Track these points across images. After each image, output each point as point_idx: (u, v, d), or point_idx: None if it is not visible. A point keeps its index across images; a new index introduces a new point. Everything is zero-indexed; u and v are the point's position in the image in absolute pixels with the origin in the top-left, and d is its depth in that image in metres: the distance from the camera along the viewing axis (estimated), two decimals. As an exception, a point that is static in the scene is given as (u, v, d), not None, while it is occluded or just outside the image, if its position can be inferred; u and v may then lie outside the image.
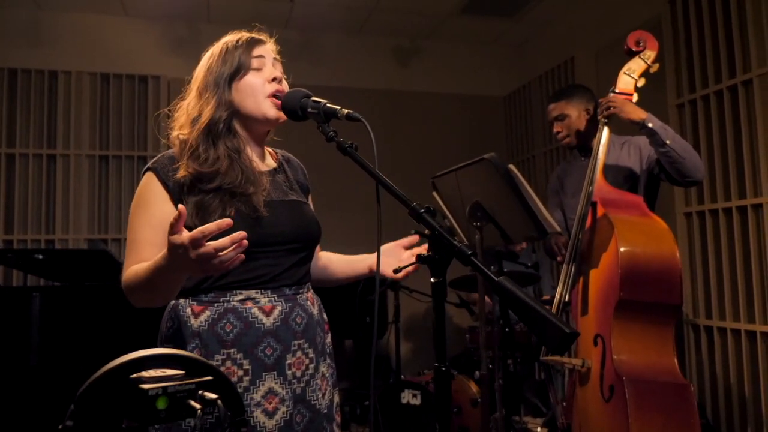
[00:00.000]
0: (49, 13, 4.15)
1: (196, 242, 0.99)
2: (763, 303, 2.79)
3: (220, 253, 1.00)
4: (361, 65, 4.64)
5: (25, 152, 4.06)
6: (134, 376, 0.59)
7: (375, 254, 1.43)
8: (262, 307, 1.23)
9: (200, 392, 0.59)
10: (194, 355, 0.66)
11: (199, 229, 0.99)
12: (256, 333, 1.22)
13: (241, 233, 1.01)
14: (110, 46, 4.22)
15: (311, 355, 1.29)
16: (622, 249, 1.78)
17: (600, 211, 1.94)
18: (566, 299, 2.01)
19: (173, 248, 1.01)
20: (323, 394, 1.31)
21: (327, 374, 1.34)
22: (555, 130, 2.45)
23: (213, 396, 0.59)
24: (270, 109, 1.27)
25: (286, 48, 1.39)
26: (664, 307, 1.81)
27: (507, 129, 5.03)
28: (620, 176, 2.25)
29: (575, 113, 2.38)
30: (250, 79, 1.27)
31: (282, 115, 1.28)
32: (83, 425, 0.55)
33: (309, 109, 1.20)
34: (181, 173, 1.22)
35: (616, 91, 2.11)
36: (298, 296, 1.29)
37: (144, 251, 1.20)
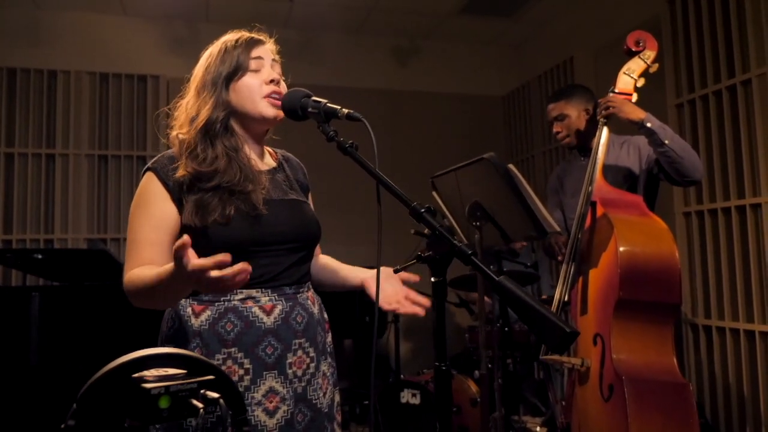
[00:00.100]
0: (48, 12, 4.14)
1: (198, 275, 0.97)
2: (762, 302, 2.80)
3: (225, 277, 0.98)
4: (361, 65, 4.64)
5: (24, 152, 4.06)
6: (136, 375, 0.59)
7: (368, 270, 1.44)
8: (263, 306, 1.23)
9: (202, 391, 0.59)
10: (196, 354, 0.66)
11: (198, 266, 0.96)
12: (257, 332, 1.22)
13: (247, 268, 0.98)
14: (109, 46, 4.22)
15: (312, 354, 1.29)
16: (621, 249, 1.78)
17: (599, 210, 1.94)
18: (566, 299, 2.01)
19: (179, 272, 0.99)
20: (324, 393, 1.31)
21: (328, 373, 1.34)
22: (555, 130, 2.45)
23: (215, 395, 0.59)
24: (267, 109, 1.27)
25: (285, 47, 1.39)
26: (664, 306, 1.81)
27: (506, 129, 5.03)
28: (620, 176, 2.26)
29: (575, 113, 2.39)
30: (248, 80, 1.27)
31: (280, 114, 1.28)
32: (85, 424, 0.56)
33: (309, 109, 1.21)
34: (180, 173, 1.22)
35: (616, 91, 2.11)
36: (298, 295, 1.29)
37: (145, 251, 1.20)
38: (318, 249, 1.46)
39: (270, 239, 1.24)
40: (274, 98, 1.28)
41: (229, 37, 1.32)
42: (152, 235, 1.22)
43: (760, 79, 2.81)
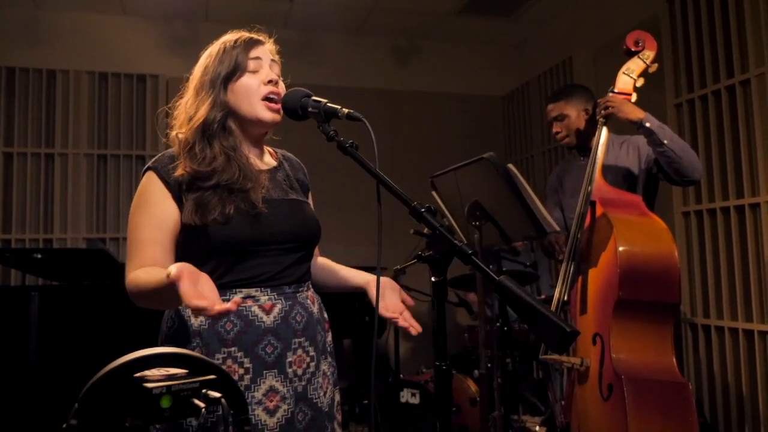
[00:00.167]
0: (47, 12, 4.14)
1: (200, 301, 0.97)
2: (761, 302, 2.80)
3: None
4: (360, 65, 4.65)
5: (23, 151, 4.06)
6: (138, 375, 0.59)
7: (370, 274, 1.44)
8: (262, 306, 1.23)
9: (204, 391, 0.59)
10: (197, 354, 0.66)
11: (194, 303, 0.96)
12: (257, 331, 1.22)
13: (233, 308, 1.00)
14: (109, 45, 4.22)
15: (312, 353, 1.29)
16: (620, 248, 1.78)
17: (599, 210, 1.95)
18: (565, 298, 2.01)
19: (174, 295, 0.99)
20: (324, 393, 1.31)
21: (328, 373, 1.34)
22: (554, 130, 2.45)
23: (217, 395, 0.59)
24: (264, 112, 1.27)
25: (284, 47, 1.40)
26: (663, 306, 1.81)
27: (505, 128, 5.03)
28: (619, 176, 2.26)
29: (574, 113, 2.39)
30: (246, 80, 1.27)
31: (276, 118, 1.29)
32: (87, 424, 0.56)
33: (309, 109, 1.21)
34: (179, 172, 1.22)
35: (615, 90, 2.11)
36: (298, 294, 1.29)
37: (147, 251, 1.20)
38: (317, 250, 1.47)
39: (270, 239, 1.25)
40: (272, 99, 1.28)
41: (228, 38, 1.32)
42: (154, 234, 1.22)
43: (758, 79, 2.81)
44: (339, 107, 1.18)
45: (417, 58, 4.84)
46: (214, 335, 1.21)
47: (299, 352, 1.26)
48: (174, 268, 0.97)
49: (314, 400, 1.28)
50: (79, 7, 4.15)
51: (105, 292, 2.68)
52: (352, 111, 1.16)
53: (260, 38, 1.34)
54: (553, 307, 2.03)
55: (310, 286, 1.36)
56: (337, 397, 1.38)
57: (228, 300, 1.22)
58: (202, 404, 0.58)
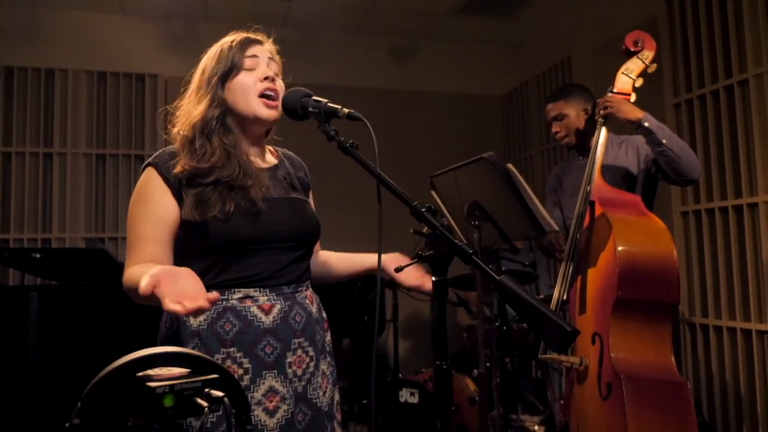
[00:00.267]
0: (46, 11, 4.13)
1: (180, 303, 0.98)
2: (759, 301, 2.81)
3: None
4: (359, 64, 4.65)
5: (21, 151, 4.05)
6: (140, 374, 0.59)
7: (376, 253, 1.45)
8: (261, 306, 1.23)
9: (206, 390, 0.59)
10: (200, 353, 0.66)
11: (170, 308, 0.97)
12: (256, 331, 1.22)
13: (215, 296, 1.01)
14: (107, 45, 4.21)
15: (311, 353, 1.29)
16: (619, 248, 1.79)
17: (598, 210, 1.95)
18: (564, 298, 2.01)
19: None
20: (324, 393, 1.31)
21: (327, 372, 1.34)
22: (553, 129, 2.45)
23: (219, 394, 0.59)
24: (261, 109, 1.28)
25: (283, 47, 1.40)
26: (662, 305, 1.82)
27: (504, 128, 5.04)
28: (618, 175, 2.26)
29: (574, 113, 2.39)
30: (242, 78, 1.28)
31: (273, 114, 1.29)
32: (90, 423, 0.56)
33: (310, 109, 1.21)
34: (179, 168, 1.22)
35: (614, 90, 2.11)
36: (297, 294, 1.29)
37: (146, 247, 1.21)
38: (318, 246, 1.47)
39: (269, 237, 1.25)
40: (269, 96, 1.28)
41: (227, 38, 1.34)
42: (152, 230, 1.22)
43: (757, 79, 2.82)
44: (339, 107, 1.18)
45: (416, 57, 4.84)
46: (213, 336, 1.21)
47: (299, 352, 1.26)
48: (145, 280, 0.97)
49: (314, 400, 1.28)
50: (77, 7, 4.14)
51: (104, 291, 2.67)
52: (352, 111, 1.17)
53: (258, 37, 1.35)
54: (552, 307, 2.04)
55: (309, 285, 1.36)
56: (337, 397, 1.38)
57: (227, 300, 1.23)
58: (204, 403, 0.58)
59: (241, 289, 1.23)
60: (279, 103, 1.30)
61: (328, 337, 1.38)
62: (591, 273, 1.93)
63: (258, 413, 1.20)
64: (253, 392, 1.21)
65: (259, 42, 1.34)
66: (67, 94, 4.14)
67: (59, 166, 4.10)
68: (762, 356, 2.79)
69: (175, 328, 1.24)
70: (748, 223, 2.86)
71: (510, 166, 1.91)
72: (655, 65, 2.12)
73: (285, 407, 1.23)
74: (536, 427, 2.93)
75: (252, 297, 1.23)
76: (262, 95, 1.28)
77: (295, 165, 1.46)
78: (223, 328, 1.21)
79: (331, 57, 4.54)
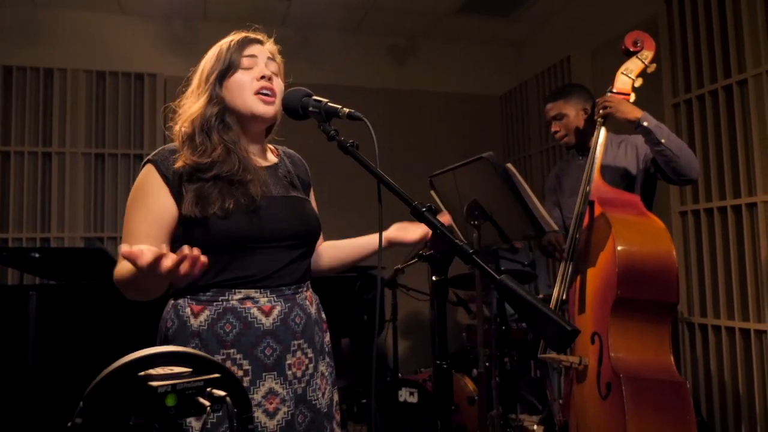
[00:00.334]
0: (45, 10, 4.13)
1: (154, 266, 0.97)
2: (757, 301, 2.82)
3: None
4: (358, 64, 4.65)
5: (20, 150, 4.04)
6: (142, 373, 0.59)
7: (385, 232, 1.48)
8: (262, 307, 1.23)
9: (208, 389, 0.60)
10: (202, 353, 0.66)
11: (152, 255, 0.96)
12: (256, 333, 1.22)
13: (203, 260, 1.01)
14: (107, 44, 4.21)
15: (310, 354, 1.29)
16: (619, 248, 1.79)
17: (597, 210, 1.95)
18: (564, 297, 2.02)
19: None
20: (323, 394, 1.32)
21: (326, 373, 1.34)
22: (553, 129, 2.45)
23: (221, 393, 0.59)
24: (257, 105, 1.28)
25: (282, 46, 1.41)
26: (661, 305, 1.82)
27: (503, 128, 5.04)
28: (617, 175, 2.27)
29: (573, 112, 2.39)
30: (239, 77, 1.29)
31: (269, 111, 1.29)
32: (92, 422, 0.56)
33: (310, 108, 1.21)
34: (180, 164, 1.23)
35: (614, 90, 2.12)
36: (297, 296, 1.29)
37: (138, 243, 1.20)
38: (321, 238, 1.47)
39: (269, 235, 1.25)
40: (265, 94, 1.29)
41: (228, 38, 1.35)
42: (148, 227, 1.22)
43: (755, 80, 2.82)
44: (339, 107, 1.18)
45: (415, 57, 4.84)
46: (213, 336, 1.21)
47: (298, 354, 1.26)
48: (124, 247, 0.98)
49: (313, 402, 1.28)
50: (76, 6, 4.14)
51: (103, 291, 2.67)
52: (352, 110, 1.17)
53: (258, 37, 1.35)
54: (551, 307, 2.04)
55: (309, 286, 1.36)
56: (336, 397, 1.38)
57: (227, 300, 1.22)
58: (207, 403, 0.58)
59: (242, 290, 1.23)
60: (277, 101, 1.31)
61: (327, 338, 1.38)
62: (590, 273, 1.93)
63: (258, 415, 1.20)
64: (253, 394, 1.20)
65: (258, 41, 1.35)
66: (66, 93, 4.13)
67: (58, 166, 4.10)
68: (760, 356, 2.80)
69: (175, 328, 1.24)
70: (746, 223, 2.87)
71: (509, 165, 1.91)
72: (654, 65, 2.12)
73: (285, 409, 1.23)
74: (535, 427, 2.93)
75: (252, 298, 1.23)
76: (258, 93, 1.29)
77: (295, 163, 1.46)
78: (223, 329, 1.21)
79: (330, 57, 4.53)
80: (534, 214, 1.89)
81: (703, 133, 3.10)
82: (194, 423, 1.17)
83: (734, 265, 2.92)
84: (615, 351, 1.78)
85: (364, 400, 3.78)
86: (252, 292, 1.23)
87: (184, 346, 1.21)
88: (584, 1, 4.07)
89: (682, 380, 1.79)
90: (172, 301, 1.27)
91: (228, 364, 1.20)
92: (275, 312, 1.24)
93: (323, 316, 1.39)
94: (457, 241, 0.96)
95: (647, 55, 2.12)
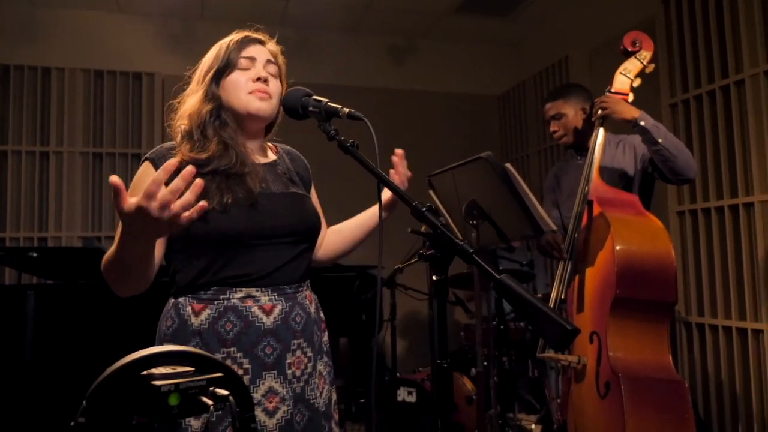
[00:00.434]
0: (42, 9, 4.12)
1: (150, 194, 0.92)
2: (754, 301, 2.83)
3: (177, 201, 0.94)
4: (357, 63, 4.65)
5: (17, 149, 4.03)
6: (145, 372, 0.60)
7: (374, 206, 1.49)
8: (262, 306, 1.23)
9: (211, 389, 0.60)
10: (204, 352, 0.66)
11: (151, 180, 0.93)
12: (256, 332, 1.22)
13: (190, 169, 0.94)
14: (104, 43, 4.20)
15: (309, 354, 1.29)
16: (618, 247, 1.79)
17: (596, 209, 1.96)
18: (562, 297, 2.02)
19: (127, 218, 0.95)
20: (321, 393, 1.32)
21: (324, 373, 1.35)
22: (551, 129, 2.46)
23: (224, 392, 0.59)
24: (252, 103, 1.29)
25: (280, 46, 1.40)
26: (660, 304, 1.83)
27: (501, 128, 5.05)
28: (615, 175, 2.27)
29: (572, 112, 2.40)
30: (235, 77, 1.29)
31: (263, 107, 1.29)
32: (95, 421, 0.56)
33: (310, 108, 1.21)
34: (178, 158, 1.22)
35: (612, 90, 2.12)
36: (297, 295, 1.29)
37: None
38: (323, 234, 1.48)
39: (270, 232, 1.25)
40: (260, 96, 1.29)
41: (229, 37, 1.35)
42: None
43: (753, 80, 2.83)
44: (340, 106, 1.19)
45: (413, 57, 4.84)
46: (213, 335, 1.21)
47: (298, 353, 1.27)
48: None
49: (311, 401, 1.28)
50: (74, 5, 4.13)
51: (101, 291, 2.66)
52: (353, 110, 1.17)
53: (259, 37, 1.35)
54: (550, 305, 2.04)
55: (309, 285, 1.36)
56: (334, 397, 1.38)
57: (228, 299, 1.22)
58: (210, 402, 0.58)
59: (243, 289, 1.23)
60: (274, 100, 1.31)
61: (326, 338, 1.38)
62: (589, 272, 1.94)
63: (258, 414, 1.20)
64: (253, 393, 1.21)
65: (259, 42, 1.35)
66: (63, 92, 4.12)
67: (56, 165, 4.09)
68: (757, 355, 2.81)
69: (175, 327, 1.24)
70: (743, 223, 2.87)
71: (508, 165, 1.91)
72: (653, 65, 2.12)
73: (284, 408, 1.23)
74: (533, 426, 2.94)
75: (253, 297, 1.23)
76: (252, 93, 1.29)
77: (294, 160, 1.46)
78: (224, 328, 1.21)
79: (329, 56, 4.53)
80: (533, 213, 1.89)
81: (700, 133, 3.11)
82: (193, 422, 1.17)
83: (731, 265, 2.93)
84: (614, 350, 1.78)
85: (362, 400, 3.78)
86: (253, 291, 1.23)
87: (185, 344, 1.21)
88: (582, 2, 4.08)
89: (681, 379, 1.80)
90: (173, 300, 1.27)
91: (228, 362, 1.20)
92: (276, 311, 1.24)
93: (322, 315, 1.39)
94: (457, 240, 0.97)
95: (646, 55, 2.12)
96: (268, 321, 1.23)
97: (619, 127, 2.21)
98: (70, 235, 4.07)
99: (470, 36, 4.80)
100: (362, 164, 1.12)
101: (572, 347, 1.97)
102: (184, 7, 4.16)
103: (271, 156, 1.40)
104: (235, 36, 1.34)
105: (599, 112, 2.10)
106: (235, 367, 1.20)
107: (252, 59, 1.31)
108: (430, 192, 2.22)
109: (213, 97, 1.29)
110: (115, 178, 0.90)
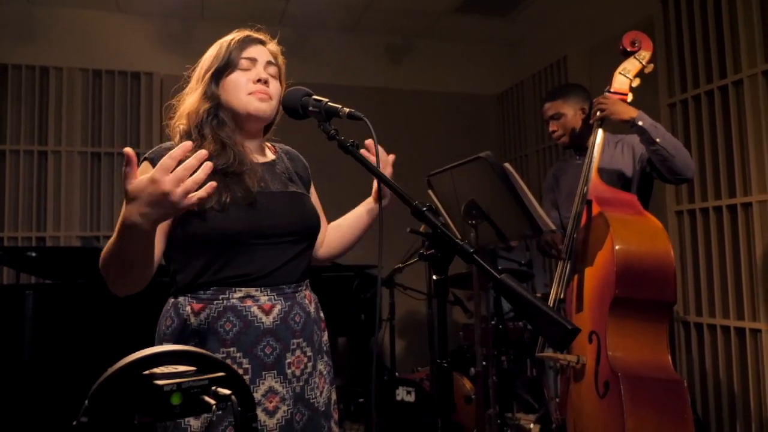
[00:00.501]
0: (41, 8, 4.11)
1: (167, 167, 0.96)
2: (752, 300, 2.83)
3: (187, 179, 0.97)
4: (355, 63, 4.65)
5: (15, 149, 4.03)
6: (147, 372, 0.60)
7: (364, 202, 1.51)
8: (262, 306, 1.23)
9: (213, 388, 0.60)
10: (206, 351, 0.67)
11: (168, 155, 0.97)
12: (256, 332, 1.22)
13: (203, 152, 1.00)
14: (103, 43, 4.19)
15: (309, 353, 1.29)
16: (617, 247, 1.80)
17: (595, 209, 1.96)
18: (561, 296, 2.03)
19: (134, 194, 0.98)
20: (321, 392, 1.32)
21: (324, 372, 1.35)
22: (550, 129, 2.46)
23: (226, 392, 0.60)
24: (251, 103, 1.29)
25: (280, 45, 1.40)
26: (659, 304, 1.83)
27: (500, 127, 5.05)
28: (614, 175, 2.27)
29: (571, 112, 2.40)
30: (235, 77, 1.29)
31: (263, 107, 1.29)
32: (97, 421, 0.56)
33: (310, 108, 1.21)
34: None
35: (611, 90, 2.12)
36: (297, 294, 1.29)
37: None
38: (323, 232, 1.48)
39: (269, 231, 1.25)
40: (260, 97, 1.29)
41: (230, 36, 1.34)
42: None
43: (751, 80, 2.84)
44: (340, 106, 1.19)
45: (412, 56, 4.84)
46: (213, 335, 1.21)
47: (297, 353, 1.27)
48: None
49: (311, 401, 1.28)
50: (73, 4, 4.12)
51: (100, 290, 2.66)
52: (353, 110, 1.17)
53: (260, 37, 1.35)
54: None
55: (308, 285, 1.36)
56: (334, 396, 1.38)
57: (228, 299, 1.22)
58: (212, 401, 0.58)
59: (242, 288, 1.23)
60: (273, 101, 1.31)
61: (325, 337, 1.38)
62: (588, 272, 1.94)
63: (258, 414, 1.20)
64: (253, 392, 1.20)
65: (260, 42, 1.35)
66: (62, 92, 4.11)
67: (54, 165, 4.08)
68: (755, 354, 2.82)
69: (175, 326, 1.24)
70: (741, 223, 2.88)
71: (507, 165, 1.91)
72: (652, 66, 2.13)
73: (285, 408, 1.23)
74: (532, 425, 2.94)
75: (253, 297, 1.23)
76: (252, 94, 1.29)
77: (293, 160, 1.46)
78: (223, 328, 1.21)
79: (328, 56, 4.53)
80: (532, 213, 1.89)
81: (698, 133, 3.12)
82: (193, 422, 1.17)
83: (729, 265, 2.94)
84: (613, 350, 1.78)
85: (362, 399, 3.78)
86: (252, 291, 1.23)
87: (184, 344, 1.21)
88: (581, 2, 4.08)
89: (680, 379, 1.80)
90: (172, 300, 1.27)
91: (228, 362, 1.20)
92: (275, 311, 1.24)
93: (321, 315, 1.39)
94: (457, 240, 0.97)
95: (645, 55, 2.12)
96: (267, 321, 1.23)
97: (618, 127, 2.21)
98: (68, 234, 4.07)
99: (469, 36, 4.80)
100: (362, 164, 1.12)
101: (571, 347, 1.98)
102: (183, 7, 4.16)
103: (270, 156, 1.40)
104: (236, 35, 1.33)
105: (597, 114, 2.10)
106: (234, 367, 1.20)
107: (253, 60, 1.31)
108: (429, 191, 2.22)
109: (212, 96, 1.29)
110: (128, 149, 0.94)
